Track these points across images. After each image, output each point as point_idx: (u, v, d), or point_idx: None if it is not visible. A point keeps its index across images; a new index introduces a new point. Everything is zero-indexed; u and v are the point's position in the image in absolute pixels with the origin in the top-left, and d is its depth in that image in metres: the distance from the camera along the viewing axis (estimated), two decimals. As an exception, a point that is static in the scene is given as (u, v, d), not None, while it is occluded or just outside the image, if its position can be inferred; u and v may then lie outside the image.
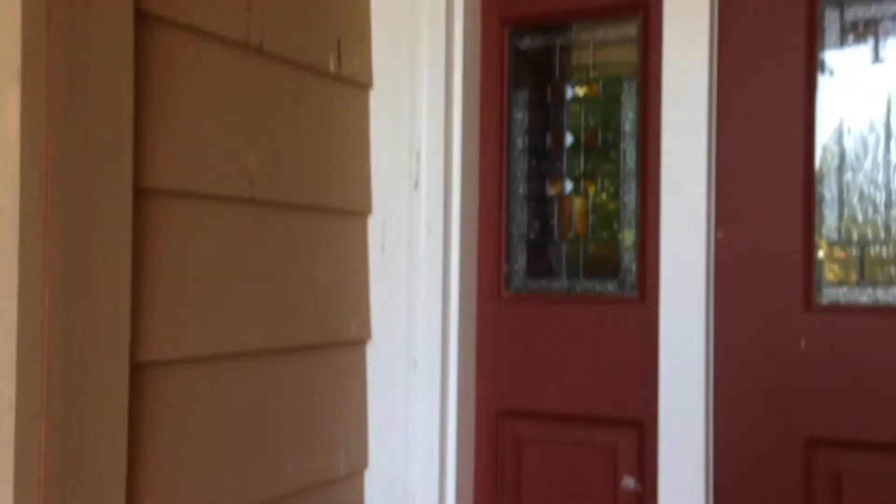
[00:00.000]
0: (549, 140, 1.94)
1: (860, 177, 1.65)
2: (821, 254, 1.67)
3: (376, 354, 1.91)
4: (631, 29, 1.84)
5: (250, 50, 1.60)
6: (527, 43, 1.95)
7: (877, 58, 1.64)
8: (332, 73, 1.80)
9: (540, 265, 1.95)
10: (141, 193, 1.37)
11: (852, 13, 1.66)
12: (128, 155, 1.32)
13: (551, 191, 1.94)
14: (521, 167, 1.95)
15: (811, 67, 1.67)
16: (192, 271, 1.49)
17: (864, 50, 1.65)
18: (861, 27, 1.65)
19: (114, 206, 1.30)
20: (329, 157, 1.81)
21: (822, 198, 1.67)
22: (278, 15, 1.66)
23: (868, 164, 1.64)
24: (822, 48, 1.67)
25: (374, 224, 1.92)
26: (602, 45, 1.88)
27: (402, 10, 1.89)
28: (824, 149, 1.67)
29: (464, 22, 1.89)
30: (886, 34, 1.63)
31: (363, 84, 1.89)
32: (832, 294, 1.66)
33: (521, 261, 1.95)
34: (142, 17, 1.36)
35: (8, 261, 1.18)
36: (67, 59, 1.21)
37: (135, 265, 1.35)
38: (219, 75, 1.54)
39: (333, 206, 1.83)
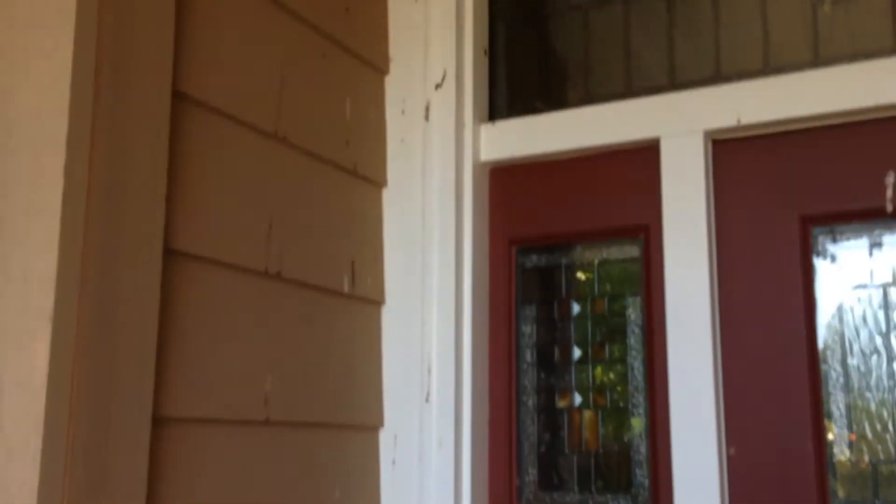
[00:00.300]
0: (557, 354, 1.97)
1: (867, 394, 1.67)
2: (834, 470, 1.67)
3: (387, 572, 1.88)
4: (633, 250, 1.91)
5: (269, 277, 1.66)
6: (533, 261, 2.02)
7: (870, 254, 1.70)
8: (346, 292, 1.87)
9: (551, 478, 1.94)
10: (158, 422, 1.40)
11: (844, 241, 1.73)
12: (149, 387, 1.36)
13: (561, 403, 1.96)
14: (530, 380, 1.98)
15: (809, 288, 1.73)
16: (205, 496, 1.50)
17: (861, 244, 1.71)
18: (853, 248, 1.72)
19: (132, 437, 1.33)
20: (342, 373, 1.84)
21: (830, 414, 1.68)
22: (296, 243, 1.74)
23: (873, 381, 1.67)
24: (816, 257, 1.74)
25: (385, 437, 1.93)
26: (606, 264, 1.95)
27: (413, 231, 1.98)
28: (828, 365, 1.70)
29: (472, 241, 1.97)
30: (881, 250, 1.70)
31: (376, 301, 1.96)
32: (848, 513, 1.65)
33: (532, 473, 1.95)
34: (169, 253, 1.44)
35: (28, 493, 1.20)
36: (98, 303, 1.27)
37: (149, 492, 1.36)
38: (238, 303, 1.60)
39: (346, 421, 1.84)
